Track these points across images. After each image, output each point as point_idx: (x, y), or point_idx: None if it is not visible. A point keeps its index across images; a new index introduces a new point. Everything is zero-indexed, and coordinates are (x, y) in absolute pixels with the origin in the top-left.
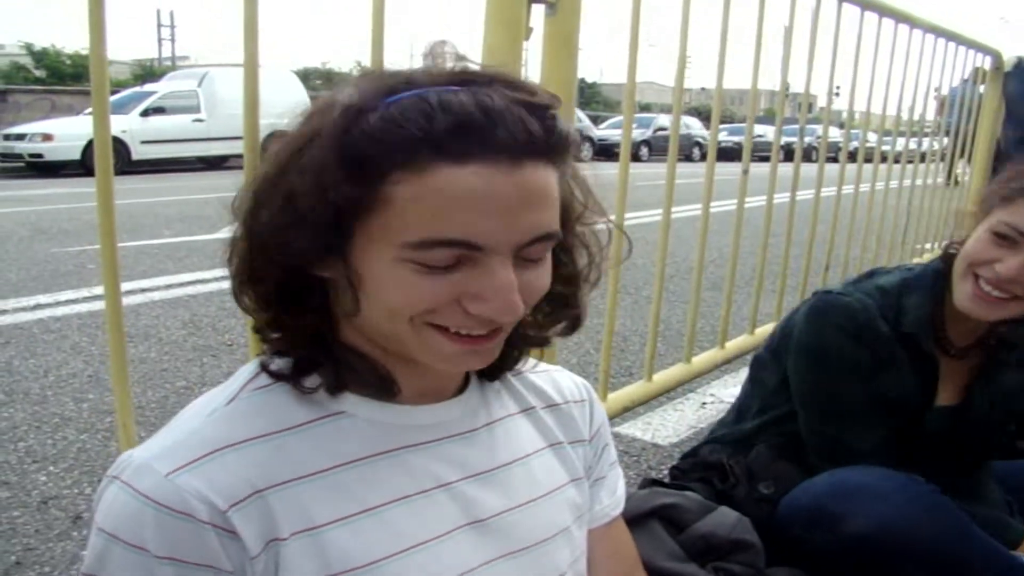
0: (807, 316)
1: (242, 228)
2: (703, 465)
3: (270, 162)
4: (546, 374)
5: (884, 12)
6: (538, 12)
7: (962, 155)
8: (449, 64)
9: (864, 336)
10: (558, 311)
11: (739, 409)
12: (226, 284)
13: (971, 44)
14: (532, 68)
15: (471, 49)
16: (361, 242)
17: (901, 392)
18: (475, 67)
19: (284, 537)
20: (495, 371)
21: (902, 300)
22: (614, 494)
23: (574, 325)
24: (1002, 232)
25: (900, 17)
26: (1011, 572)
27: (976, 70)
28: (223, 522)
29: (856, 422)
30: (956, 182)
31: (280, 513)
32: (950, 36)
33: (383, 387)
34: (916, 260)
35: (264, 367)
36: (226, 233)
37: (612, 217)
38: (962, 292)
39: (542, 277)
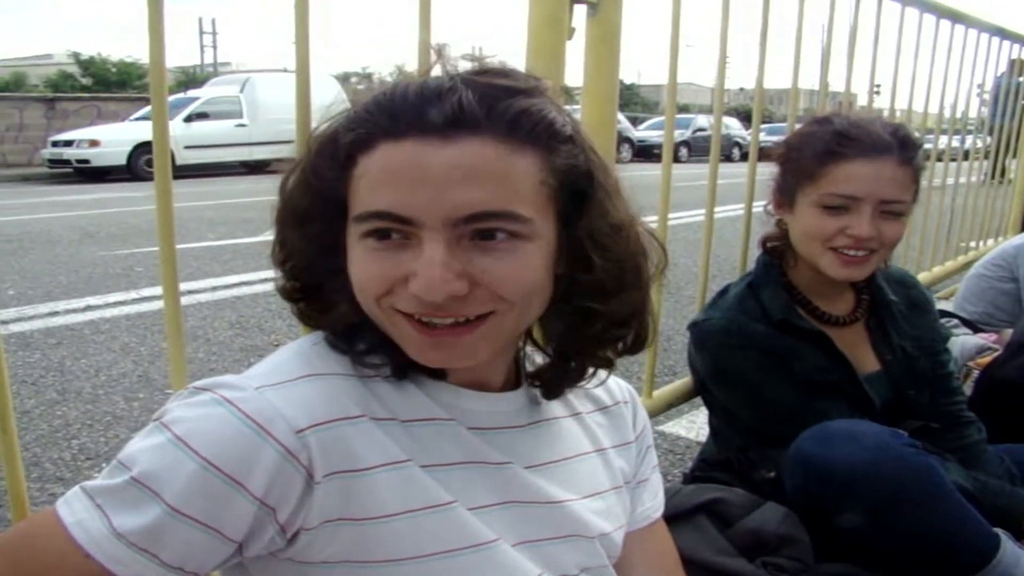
0: (695, 352)
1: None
2: (714, 464)
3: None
4: (594, 378)
5: (926, 8)
6: (580, 12)
7: (1007, 151)
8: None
9: (747, 343)
10: (610, 329)
11: (715, 433)
12: (271, 286)
13: (1014, 37)
14: (576, 68)
15: (516, 51)
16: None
17: (820, 374)
18: (471, 64)
19: (357, 469)
20: (555, 387)
21: (760, 299)
22: (655, 496)
23: (637, 345)
24: (831, 204)
25: (942, 12)
26: (984, 537)
27: (1013, 61)
28: (294, 443)
29: (808, 413)
30: (1006, 178)
31: (350, 446)
32: (994, 31)
33: (426, 369)
34: (961, 258)
35: (326, 339)
36: (270, 236)
37: (654, 218)
38: (829, 266)
39: (511, 266)
